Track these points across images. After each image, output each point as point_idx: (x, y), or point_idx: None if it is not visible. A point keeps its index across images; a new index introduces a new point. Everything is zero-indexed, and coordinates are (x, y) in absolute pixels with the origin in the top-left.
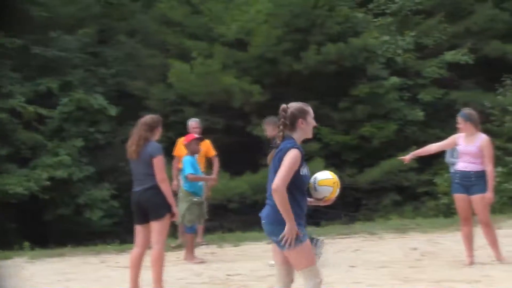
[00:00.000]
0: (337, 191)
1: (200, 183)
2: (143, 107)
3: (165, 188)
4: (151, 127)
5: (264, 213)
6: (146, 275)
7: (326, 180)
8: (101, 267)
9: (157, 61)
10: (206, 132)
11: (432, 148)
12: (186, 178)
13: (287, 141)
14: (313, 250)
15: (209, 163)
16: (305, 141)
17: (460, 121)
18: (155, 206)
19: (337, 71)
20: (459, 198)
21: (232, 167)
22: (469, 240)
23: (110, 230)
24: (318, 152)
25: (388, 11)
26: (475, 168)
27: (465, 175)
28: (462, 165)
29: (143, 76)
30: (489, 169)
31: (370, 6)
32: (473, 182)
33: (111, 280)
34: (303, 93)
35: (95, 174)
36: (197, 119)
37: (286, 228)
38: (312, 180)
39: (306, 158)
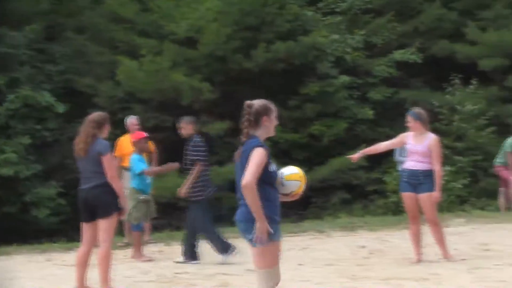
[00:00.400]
0: (304, 186)
1: (148, 180)
2: (92, 104)
3: (116, 185)
4: (99, 124)
5: (237, 213)
6: (93, 274)
7: (293, 175)
8: (47, 265)
9: (106, 58)
10: (154, 130)
11: (380, 146)
12: (140, 174)
13: (252, 140)
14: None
15: (148, 159)
16: None
17: (409, 120)
18: (103, 204)
19: (286, 69)
20: (407, 196)
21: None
22: (417, 238)
23: (57, 228)
24: None
25: (337, 9)
26: (423, 167)
27: (413, 173)
28: (410, 163)
29: (92, 73)
30: (437, 168)
31: (320, 4)
32: (421, 180)
33: (57, 278)
34: (253, 91)
35: (42, 172)
36: (136, 116)
37: (257, 226)
38: (278, 175)
39: None
